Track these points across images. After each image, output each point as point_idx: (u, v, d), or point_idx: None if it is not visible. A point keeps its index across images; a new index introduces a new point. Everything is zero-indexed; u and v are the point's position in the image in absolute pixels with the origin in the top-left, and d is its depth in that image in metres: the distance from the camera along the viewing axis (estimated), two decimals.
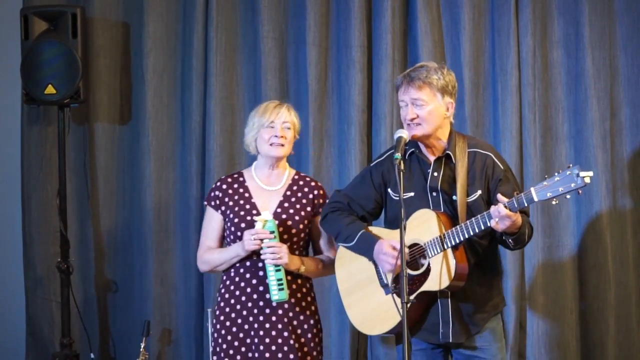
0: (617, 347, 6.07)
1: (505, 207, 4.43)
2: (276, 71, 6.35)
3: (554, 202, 4.42)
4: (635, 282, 6.10)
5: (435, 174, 4.73)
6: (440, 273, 4.59)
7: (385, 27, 6.22)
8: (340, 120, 6.30)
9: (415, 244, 4.66)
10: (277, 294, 4.87)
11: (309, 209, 5.08)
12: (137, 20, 6.46)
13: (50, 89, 6.18)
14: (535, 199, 4.39)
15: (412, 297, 4.53)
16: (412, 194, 4.72)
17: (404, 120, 4.72)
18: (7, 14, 6.49)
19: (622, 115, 6.13)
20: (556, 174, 4.37)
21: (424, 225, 4.64)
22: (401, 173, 4.51)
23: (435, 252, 4.60)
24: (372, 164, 4.96)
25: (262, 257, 4.91)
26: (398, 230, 4.70)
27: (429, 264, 4.63)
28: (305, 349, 5.01)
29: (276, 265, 4.88)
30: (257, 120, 5.04)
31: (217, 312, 5.07)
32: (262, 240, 4.88)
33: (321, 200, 5.11)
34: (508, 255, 6.01)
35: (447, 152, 4.72)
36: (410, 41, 6.30)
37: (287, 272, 4.95)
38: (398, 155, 4.53)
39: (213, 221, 5.13)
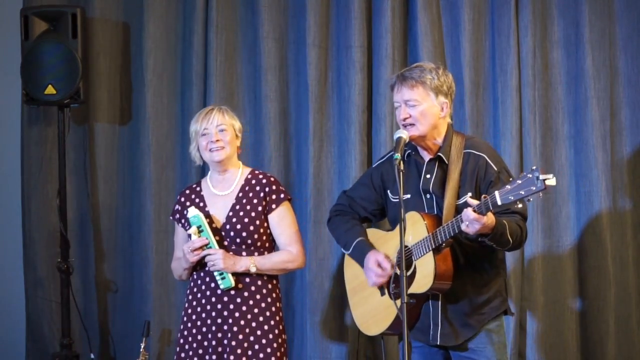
0: (617, 347, 6.06)
1: (475, 210, 4.39)
2: (276, 71, 6.35)
3: (518, 206, 4.36)
4: (635, 282, 6.09)
5: (428, 175, 4.72)
6: (422, 276, 4.59)
7: (385, 28, 6.21)
8: (340, 120, 6.30)
9: (405, 246, 4.65)
10: (221, 283, 5.01)
11: (260, 208, 5.08)
12: (137, 21, 6.46)
13: (50, 89, 6.18)
14: (499, 203, 4.33)
15: (410, 299, 4.54)
16: (408, 195, 4.72)
17: (399, 121, 4.71)
18: (7, 14, 6.49)
19: (622, 116, 6.12)
20: (518, 178, 4.32)
21: (412, 228, 4.64)
22: (401, 173, 4.51)
23: (419, 255, 4.60)
24: (373, 165, 4.96)
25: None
26: (393, 232, 4.76)
27: (414, 266, 4.64)
28: (268, 350, 5.01)
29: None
30: (193, 130, 5.11)
31: (182, 314, 5.18)
32: (201, 247, 4.99)
33: (274, 196, 5.10)
34: (508, 255, 6.00)
35: (439, 154, 4.70)
36: (410, 41, 6.29)
37: (241, 273, 5.01)
38: (397, 155, 4.53)
39: (178, 235, 5.27)
